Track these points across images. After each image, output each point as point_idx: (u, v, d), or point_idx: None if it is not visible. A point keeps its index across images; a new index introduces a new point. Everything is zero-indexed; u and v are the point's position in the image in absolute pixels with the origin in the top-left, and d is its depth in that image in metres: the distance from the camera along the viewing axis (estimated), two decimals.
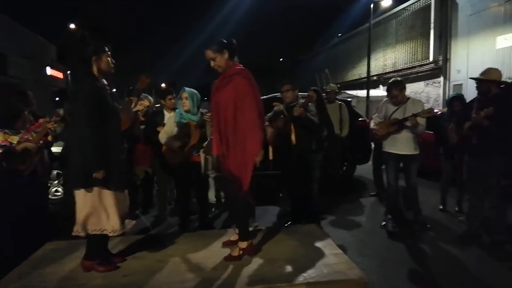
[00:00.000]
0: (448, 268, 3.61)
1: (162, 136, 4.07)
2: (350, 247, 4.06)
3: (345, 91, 19.75)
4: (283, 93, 4.44)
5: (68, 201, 3.02)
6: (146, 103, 4.98)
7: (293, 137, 4.26)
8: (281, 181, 5.04)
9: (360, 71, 23.49)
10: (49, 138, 4.01)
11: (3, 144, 3.61)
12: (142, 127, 4.84)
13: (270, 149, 4.67)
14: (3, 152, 3.58)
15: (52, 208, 4.52)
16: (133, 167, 4.93)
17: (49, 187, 5.39)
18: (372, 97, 17.47)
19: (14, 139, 3.68)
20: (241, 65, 3.10)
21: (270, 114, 4.54)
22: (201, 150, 3.97)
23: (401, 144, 4.43)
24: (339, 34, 28.78)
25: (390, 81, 4.62)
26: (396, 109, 4.45)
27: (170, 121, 4.12)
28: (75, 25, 22.50)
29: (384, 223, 4.70)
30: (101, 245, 2.90)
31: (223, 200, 5.47)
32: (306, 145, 4.35)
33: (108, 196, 2.78)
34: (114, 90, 4.59)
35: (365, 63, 19.39)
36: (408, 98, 4.52)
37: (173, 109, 4.48)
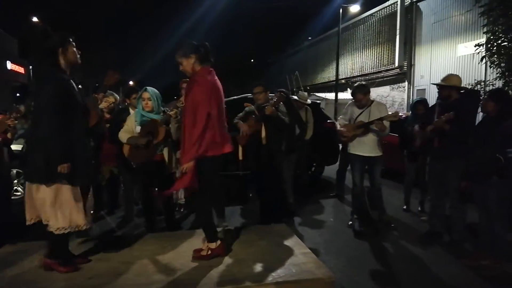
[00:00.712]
0: (411, 265, 3.74)
1: (123, 136, 3.92)
2: (318, 246, 4.12)
3: (314, 93, 20.09)
4: (255, 95, 4.45)
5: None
6: (111, 99, 4.85)
7: (263, 137, 4.28)
8: (251, 181, 5.05)
9: (329, 74, 23.95)
10: (9, 135, 3.83)
11: None
12: (108, 125, 4.70)
13: (240, 149, 4.68)
14: None
15: (12, 208, 4.30)
16: (99, 167, 4.78)
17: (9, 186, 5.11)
18: (340, 100, 17.89)
19: None
20: (210, 70, 3.05)
21: (241, 114, 4.54)
22: (165, 148, 3.90)
23: (366, 146, 4.55)
24: (309, 38, 29.21)
25: (355, 85, 4.74)
26: (361, 112, 4.57)
27: (130, 120, 3.98)
28: (38, 19, 21.62)
29: (350, 222, 4.81)
30: (64, 243, 2.81)
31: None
32: (276, 145, 4.38)
33: (70, 192, 2.71)
34: (80, 86, 4.45)
35: (334, 66, 19.82)
36: (373, 101, 4.65)
37: None
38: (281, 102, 4.33)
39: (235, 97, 7.27)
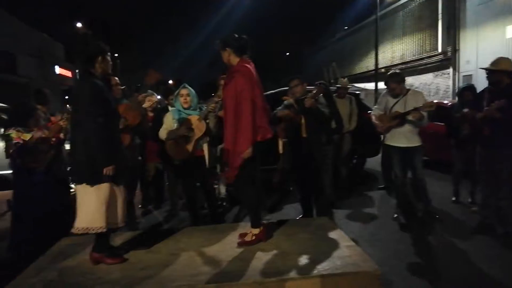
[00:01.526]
0: (461, 259, 3.60)
1: (162, 133, 4.06)
2: (362, 239, 4.06)
3: (353, 84, 19.63)
4: (292, 88, 4.42)
5: None
6: (154, 98, 5.00)
7: (303, 130, 4.25)
8: (292, 174, 5.04)
9: (367, 64, 23.33)
10: (61, 136, 4.05)
11: (17, 141, 3.67)
12: (150, 124, 4.86)
13: (280, 142, 4.68)
14: (18, 149, 3.63)
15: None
16: (145, 164, 4.97)
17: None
18: (380, 90, 17.34)
19: (27, 136, 3.72)
20: (249, 61, 3.13)
21: (280, 107, 4.53)
22: (205, 144, 3.98)
23: (403, 137, 4.40)
24: (346, 27, 28.56)
25: (388, 73, 4.58)
26: (396, 102, 4.41)
27: (168, 119, 4.10)
28: (82, 24, 22.71)
29: (396, 215, 4.70)
30: (107, 237, 2.95)
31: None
32: (316, 137, 4.33)
33: (112, 191, 2.84)
34: (124, 87, 4.72)
35: (373, 55, 19.24)
36: (408, 90, 4.47)
37: None
38: (321, 94, 4.28)
39: (272, 91, 7.26)
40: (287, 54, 40.59)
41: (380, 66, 19.54)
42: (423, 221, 4.51)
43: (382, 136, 6.22)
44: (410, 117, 4.23)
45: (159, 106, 5.24)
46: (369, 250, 3.65)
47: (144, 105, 4.25)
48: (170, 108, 4.66)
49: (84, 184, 2.77)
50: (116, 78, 4.36)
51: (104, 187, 2.78)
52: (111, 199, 2.84)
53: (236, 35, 3.13)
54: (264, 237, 3.20)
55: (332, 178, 5.31)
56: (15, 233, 3.81)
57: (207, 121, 3.92)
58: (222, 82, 4.41)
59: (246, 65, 3.08)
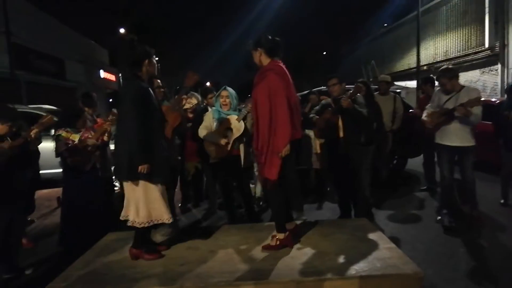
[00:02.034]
0: (508, 264, 3.41)
1: (201, 132, 4.14)
2: (403, 241, 3.94)
3: (394, 82, 19.07)
4: (330, 87, 4.36)
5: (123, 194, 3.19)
6: (193, 101, 5.12)
7: (340, 130, 4.19)
8: (329, 175, 4.98)
9: (409, 61, 22.58)
10: (105, 138, 4.23)
11: (67, 141, 3.88)
12: (189, 124, 4.98)
13: (317, 142, 4.63)
14: (68, 149, 3.84)
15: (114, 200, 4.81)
16: (185, 163, 5.09)
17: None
18: None
19: (75, 137, 3.94)
20: (280, 62, 3.10)
21: (317, 107, 4.50)
22: (241, 144, 4.02)
23: (453, 136, 4.20)
24: (385, 24, 27.83)
25: (440, 69, 4.40)
26: (449, 99, 4.22)
27: (208, 117, 4.19)
28: (125, 29, 23.64)
29: (439, 217, 4.51)
30: (146, 234, 3.07)
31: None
32: (354, 138, 4.25)
33: (152, 189, 2.93)
34: (165, 89, 4.93)
35: (414, 52, 18.58)
36: (463, 86, 4.27)
37: None
38: (358, 93, 4.20)
39: (307, 91, 7.21)
40: (324, 53, 40.04)
41: (422, 63, 18.84)
42: (468, 224, 4.30)
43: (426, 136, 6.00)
44: (456, 113, 4.03)
45: (201, 106, 5.37)
46: (411, 253, 3.52)
47: (185, 107, 4.37)
48: (209, 108, 4.77)
49: (123, 181, 2.93)
50: (159, 81, 4.52)
51: (142, 184, 2.89)
52: (151, 196, 2.94)
53: (270, 36, 3.11)
54: (289, 242, 3.14)
55: (372, 179, 5.18)
56: (65, 228, 4.04)
57: (245, 121, 3.97)
58: None
59: (278, 64, 3.07)
